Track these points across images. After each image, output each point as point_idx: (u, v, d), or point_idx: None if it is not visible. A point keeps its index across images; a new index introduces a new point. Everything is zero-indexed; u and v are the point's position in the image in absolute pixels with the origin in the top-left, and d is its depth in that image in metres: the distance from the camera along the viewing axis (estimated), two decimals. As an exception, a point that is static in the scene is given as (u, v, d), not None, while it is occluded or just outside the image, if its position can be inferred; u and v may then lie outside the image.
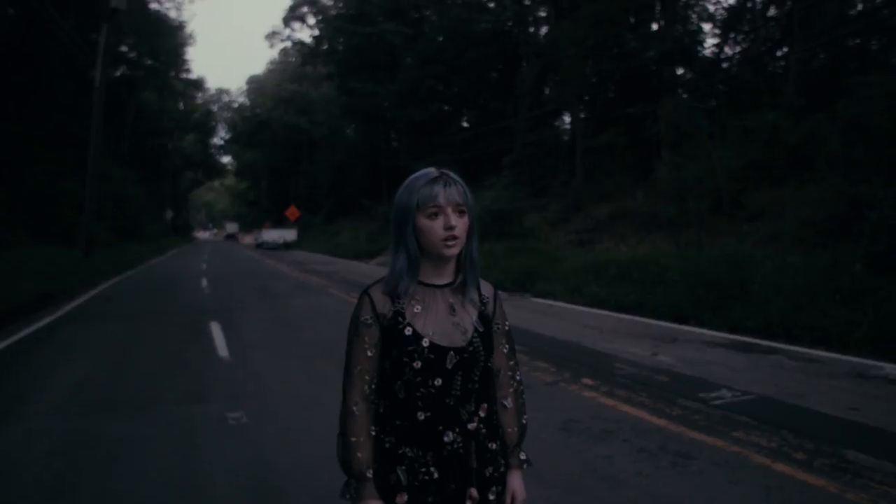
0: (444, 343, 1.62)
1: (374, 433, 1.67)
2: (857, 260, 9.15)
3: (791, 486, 3.65)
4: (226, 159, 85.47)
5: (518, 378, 1.83)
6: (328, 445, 4.40)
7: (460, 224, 1.60)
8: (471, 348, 1.64)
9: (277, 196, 66.99)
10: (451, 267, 1.69)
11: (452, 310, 1.67)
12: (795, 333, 8.40)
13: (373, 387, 1.67)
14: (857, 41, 20.17)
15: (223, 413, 5.32)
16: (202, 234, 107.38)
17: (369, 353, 1.65)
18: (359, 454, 1.64)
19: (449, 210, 1.58)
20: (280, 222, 52.24)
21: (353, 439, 1.65)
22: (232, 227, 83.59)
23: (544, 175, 27.50)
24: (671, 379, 6.22)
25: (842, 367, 6.71)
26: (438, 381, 1.61)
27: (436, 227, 1.59)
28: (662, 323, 9.91)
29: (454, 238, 1.59)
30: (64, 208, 24.65)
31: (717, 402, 5.36)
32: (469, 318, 1.68)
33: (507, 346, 1.80)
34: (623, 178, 22.73)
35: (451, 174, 1.63)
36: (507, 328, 1.81)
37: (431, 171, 1.64)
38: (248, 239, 64.84)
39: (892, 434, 4.51)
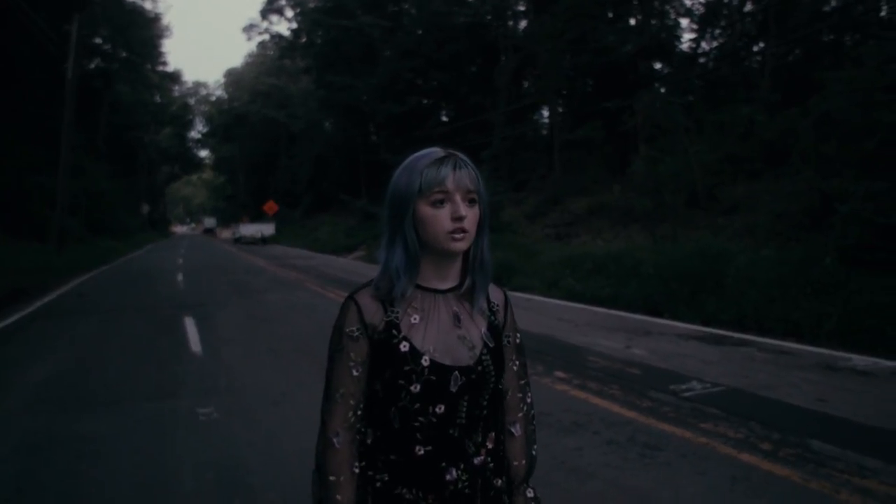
0: (447, 361, 1.33)
1: (359, 469, 1.38)
2: (828, 253, 9.27)
3: (756, 475, 3.69)
4: (203, 153, 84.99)
5: (529, 401, 1.55)
6: (298, 441, 4.42)
7: (470, 215, 1.32)
8: (479, 368, 1.36)
9: (255, 190, 66.56)
10: (457, 268, 1.40)
11: (457, 320, 1.38)
12: (768, 326, 8.51)
13: (358, 413, 1.37)
14: (832, 37, 20.42)
15: (194, 409, 5.28)
16: (179, 229, 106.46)
17: (355, 373, 1.35)
18: (337, 496, 1.35)
19: (457, 197, 1.30)
20: (258, 217, 51.88)
21: (332, 478, 1.35)
22: (210, 222, 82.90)
23: (522, 169, 27.59)
24: (643, 371, 6.26)
25: (811, 359, 6.80)
26: (441, 408, 1.33)
27: (441, 216, 1.30)
28: (637, 316, 9.99)
29: (463, 231, 1.30)
30: (36, 203, 24.31)
31: (688, 394, 5.41)
32: (478, 330, 1.40)
33: (517, 362, 1.52)
34: (600, 172, 22.87)
35: (461, 155, 1.35)
36: (518, 341, 1.53)
37: (436, 150, 1.35)
38: (225, 233, 64.40)
39: (856, 424, 4.57)
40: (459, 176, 1.31)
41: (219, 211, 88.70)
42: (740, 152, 16.42)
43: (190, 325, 9.53)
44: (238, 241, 46.25)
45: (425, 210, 1.31)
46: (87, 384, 6.27)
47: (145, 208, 64.93)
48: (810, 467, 3.77)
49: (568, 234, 19.90)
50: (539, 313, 10.27)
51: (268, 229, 46.10)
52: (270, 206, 45.78)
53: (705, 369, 6.31)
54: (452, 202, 1.30)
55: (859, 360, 6.73)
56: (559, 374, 6.17)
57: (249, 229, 46.82)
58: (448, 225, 1.30)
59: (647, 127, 19.08)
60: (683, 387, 5.63)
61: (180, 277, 17.87)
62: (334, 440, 1.35)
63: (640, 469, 3.84)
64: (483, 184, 1.36)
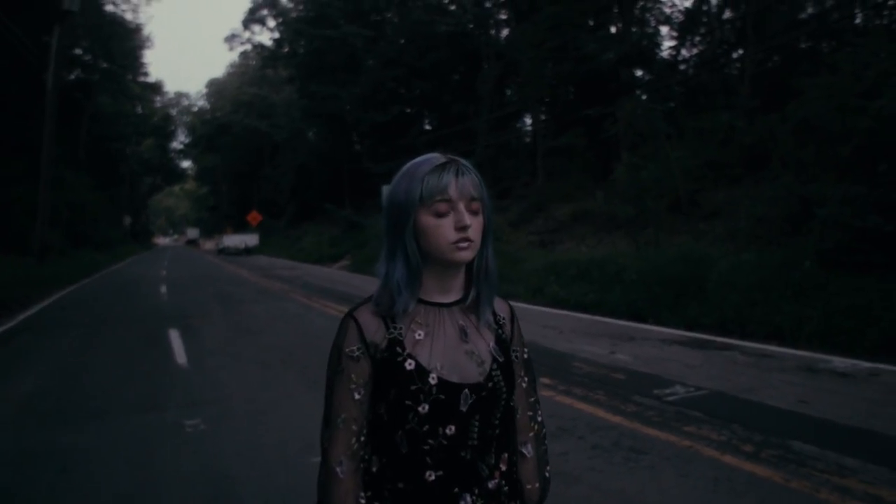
0: (455, 379, 1.26)
1: (364, 501, 1.28)
2: (808, 257, 9.40)
3: (738, 476, 3.75)
4: (186, 164, 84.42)
5: (539, 419, 1.47)
6: (286, 451, 4.43)
7: (475, 224, 1.25)
8: (490, 384, 1.28)
9: (239, 200, 66.32)
10: (460, 279, 1.33)
11: (464, 334, 1.31)
12: (750, 329, 8.62)
13: (362, 439, 1.28)
14: (810, 44, 20.74)
15: (180, 420, 5.27)
16: (162, 241, 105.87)
17: (357, 396, 1.26)
18: None
19: (461, 205, 1.23)
20: (241, 227, 51.73)
21: None
22: (192, 233, 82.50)
23: (506, 177, 27.70)
24: (627, 376, 6.33)
25: (792, 362, 6.90)
26: (451, 429, 1.25)
27: (444, 227, 1.23)
28: (621, 322, 10.07)
29: (468, 241, 1.23)
30: (17, 215, 24.07)
31: (671, 398, 5.47)
32: (486, 344, 1.33)
33: (526, 378, 1.44)
34: (583, 179, 23.03)
35: (462, 161, 1.28)
36: (526, 356, 1.45)
37: (436, 155, 1.28)
38: (209, 245, 64.10)
39: (836, 425, 4.65)
40: (462, 183, 1.24)
41: (202, 222, 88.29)
42: (721, 158, 16.59)
43: (175, 337, 9.49)
44: (222, 251, 46.08)
45: (427, 220, 1.24)
46: (71, 397, 6.23)
47: (127, 220, 64.60)
48: (791, 467, 3.84)
49: (552, 240, 20.00)
50: (524, 320, 10.21)
51: (251, 240, 45.97)
52: (254, 217, 45.62)
53: (688, 373, 6.39)
54: (456, 211, 1.23)
55: (839, 361, 6.83)
56: (544, 380, 6.21)
57: (233, 240, 46.66)
58: (452, 235, 1.23)
59: (629, 134, 19.25)
60: (667, 391, 5.69)
61: (164, 289, 17.78)
62: (338, 469, 1.25)
63: (624, 472, 3.89)
64: (486, 190, 1.29)
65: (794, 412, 4.98)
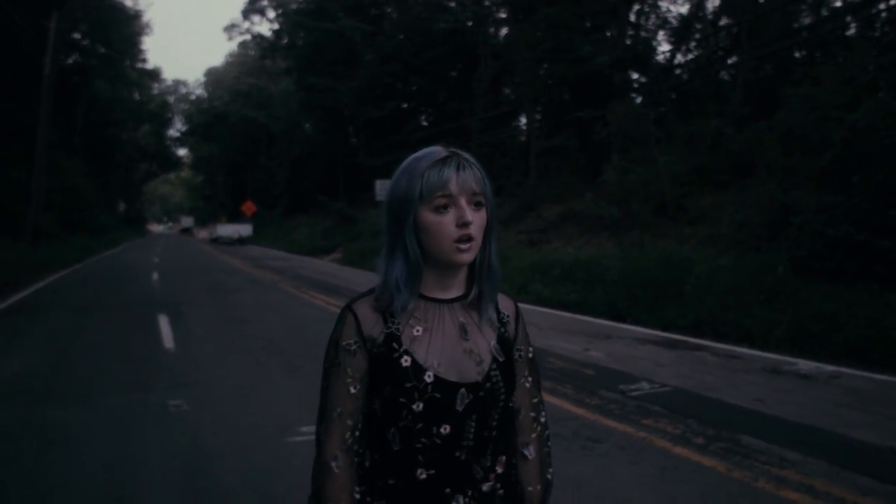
0: (452, 378, 1.23)
1: (358, 496, 1.26)
2: (781, 263, 9.66)
3: (685, 466, 4.00)
4: (182, 152, 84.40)
5: (543, 420, 1.44)
6: (263, 432, 4.65)
7: (477, 220, 1.21)
8: (488, 384, 1.25)
9: (234, 190, 66.40)
10: (462, 276, 1.30)
11: (464, 332, 1.28)
12: (723, 331, 8.88)
13: (356, 434, 1.25)
14: (803, 52, 21.02)
15: (164, 401, 5.50)
16: (156, 228, 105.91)
17: (353, 390, 1.24)
18: None
19: (463, 201, 1.20)
20: (236, 217, 51.87)
21: None
22: (187, 221, 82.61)
23: (499, 175, 27.90)
24: (597, 372, 6.58)
25: (759, 363, 7.15)
26: (446, 429, 1.22)
27: (445, 223, 1.20)
28: (600, 321, 10.32)
29: (469, 238, 1.20)
30: (10, 200, 24.19)
31: (635, 393, 5.72)
32: (486, 343, 1.29)
33: (530, 378, 1.41)
34: (574, 180, 23.27)
35: (465, 154, 1.24)
36: (530, 355, 1.43)
37: (437, 149, 1.24)
38: (203, 233, 64.23)
39: (786, 422, 4.90)
40: (464, 177, 1.20)
41: (196, 210, 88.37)
42: (709, 164, 16.85)
43: (164, 322, 9.70)
44: (215, 241, 46.21)
45: (428, 217, 1.20)
46: (59, 377, 6.45)
47: (122, 206, 64.67)
48: (736, 459, 4.09)
49: (540, 240, 20.24)
50: (506, 316, 10.54)
51: (245, 230, 46.14)
52: (248, 207, 45.75)
53: (657, 371, 6.64)
54: (457, 206, 1.20)
55: (804, 364, 7.08)
56: (517, 373, 6.44)
57: (227, 229, 46.82)
58: (453, 231, 1.20)
59: (620, 137, 19.49)
60: (632, 387, 5.94)
61: (155, 276, 17.96)
62: (332, 464, 1.24)
63: (579, 459, 4.14)
64: (489, 185, 1.26)
65: (749, 409, 5.23)
